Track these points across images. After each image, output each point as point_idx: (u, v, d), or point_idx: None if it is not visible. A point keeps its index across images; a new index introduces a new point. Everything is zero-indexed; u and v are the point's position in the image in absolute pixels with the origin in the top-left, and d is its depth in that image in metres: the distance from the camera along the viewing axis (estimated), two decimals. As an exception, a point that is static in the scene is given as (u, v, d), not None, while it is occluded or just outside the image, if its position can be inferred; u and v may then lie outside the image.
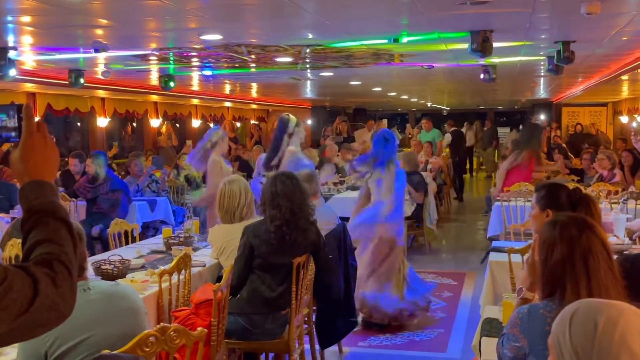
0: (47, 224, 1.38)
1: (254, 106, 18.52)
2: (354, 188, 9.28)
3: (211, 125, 17.65)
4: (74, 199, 7.66)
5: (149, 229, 8.31)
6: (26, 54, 6.88)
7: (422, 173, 9.27)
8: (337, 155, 11.19)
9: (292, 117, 6.47)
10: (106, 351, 2.36)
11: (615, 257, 3.40)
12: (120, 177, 8.93)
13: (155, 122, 14.08)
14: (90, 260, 4.37)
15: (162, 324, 2.46)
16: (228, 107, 17.27)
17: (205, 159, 6.41)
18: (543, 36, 6.20)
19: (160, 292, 3.64)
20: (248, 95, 15.63)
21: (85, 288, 2.58)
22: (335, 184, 9.24)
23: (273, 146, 6.45)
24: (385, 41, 6.18)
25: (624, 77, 10.13)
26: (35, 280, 1.28)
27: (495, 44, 5.80)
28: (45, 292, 1.28)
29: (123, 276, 3.93)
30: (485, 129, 20.02)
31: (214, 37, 5.89)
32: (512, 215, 7.24)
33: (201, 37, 5.93)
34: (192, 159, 6.75)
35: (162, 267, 3.86)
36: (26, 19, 5.08)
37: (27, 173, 1.45)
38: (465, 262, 8.19)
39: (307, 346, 4.64)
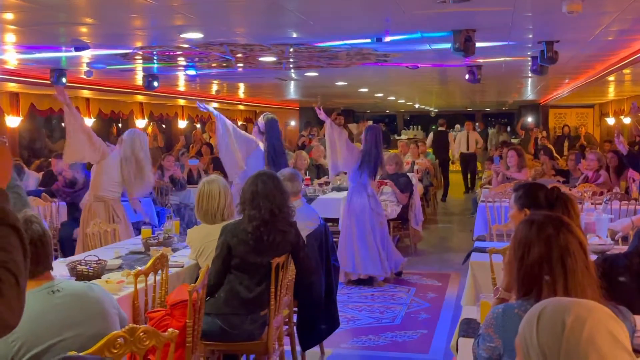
0: None
1: (241, 107, 18.42)
2: (339, 189, 9.25)
3: (197, 125, 17.55)
4: (55, 200, 7.58)
5: (131, 231, 8.21)
6: (8, 52, 6.78)
7: (408, 174, 9.26)
8: (324, 157, 11.12)
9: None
10: (72, 353, 2.28)
11: (596, 257, 3.40)
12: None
13: (141, 123, 13.97)
14: (67, 260, 4.32)
15: (130, 324, 2.40)
16: (215, 108, 17.15)
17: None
18: (527, 36, 6.18)
19: (135, 293, 3.56)
20: (235, 96, 15.53)
21: (54, 290, 2.47)
22: (320, 185, 9.19)
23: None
24: (369, 41, 6.15)
25: (611, 78, 10.13)
26: None
27: (479, 44, 5.77)
28: None
29: (99, 277, 3.85)
30: (478, 131, 20.09)
31: (196, 35, 5.83)
32: (496, 216, 7.21)
33: (183, 36, 5.87)
34: None
35: (138, 268, 3.79)
36: (8, 16, 5.00)
37: None
38: (450, 264, 8.16)
39: (287, 347, 4.60)
